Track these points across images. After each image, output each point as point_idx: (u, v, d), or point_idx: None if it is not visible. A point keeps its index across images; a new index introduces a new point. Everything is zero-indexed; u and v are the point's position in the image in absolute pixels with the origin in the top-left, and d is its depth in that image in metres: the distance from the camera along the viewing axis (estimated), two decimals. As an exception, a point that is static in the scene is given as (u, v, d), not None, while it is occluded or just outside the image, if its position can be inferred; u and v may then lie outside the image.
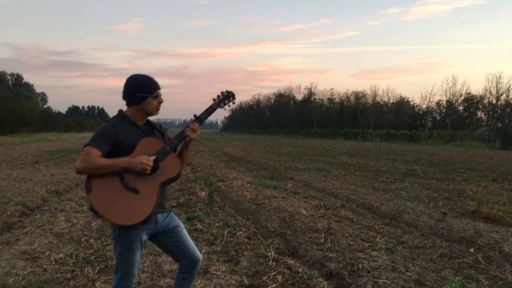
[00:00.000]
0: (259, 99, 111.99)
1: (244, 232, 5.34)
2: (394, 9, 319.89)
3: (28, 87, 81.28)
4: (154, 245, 2.75)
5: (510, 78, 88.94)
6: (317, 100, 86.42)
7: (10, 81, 77.35)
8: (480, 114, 57.37)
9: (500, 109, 52.71)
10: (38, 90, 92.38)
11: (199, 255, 2.64)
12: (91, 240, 4.92)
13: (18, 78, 78.57)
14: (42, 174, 10.70)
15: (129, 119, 2.43)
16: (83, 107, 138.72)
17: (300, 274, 3.84)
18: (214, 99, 2.63)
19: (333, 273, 3.96)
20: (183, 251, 2.57)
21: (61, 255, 4.27)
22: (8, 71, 77.57)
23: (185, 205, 7.11)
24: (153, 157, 2.33)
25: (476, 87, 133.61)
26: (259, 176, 11.50)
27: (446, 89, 72.06)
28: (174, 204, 7.09)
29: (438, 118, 63.99)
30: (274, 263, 4.15)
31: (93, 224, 5.67)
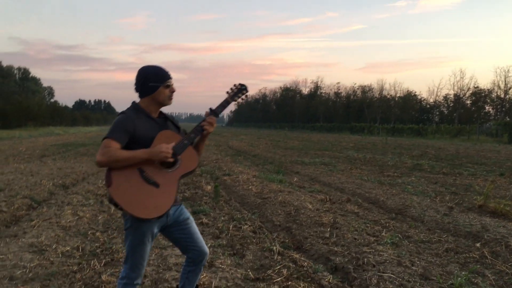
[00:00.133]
0: (265, 93, 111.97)
1: (249, 226, 5.35)
2: (401, 2, 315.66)
3: (35, 81, 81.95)
4: (162, 237, 2.76)
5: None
6: (323, 94, 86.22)
7: (17, 75, 77.99)
8: (488, 108, 56.93)
9: (509, 103, 52.25)
10: (45, 84, 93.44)
11: (207, 249, 2.65)
12: (98, 233, 4.96)
13: (25, 72, 79.21)
14: (49, 168, 10.79)
15: (143, 112, 2.42)
16: (89, 101, 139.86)
17: (305, 268, 3.85)
18: (227, 92, 2.63)
19: (338, 267, 3.96)
20: (191, 244, 2.58)
21: (68, 248, 4.31)
22: (15, 65, 78.36)
23: (191, 199, 7.14)
24: (172, 144, 2.33)
25: (484, 81, 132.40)
26: (264, 170, 11.51)
27: (453, 83, 71.44)
28: (180, 198, 7.11)
29: (446, 112, 63.62)
30: (279, 257, 4.15)
31: (99, 218, 5.71)
